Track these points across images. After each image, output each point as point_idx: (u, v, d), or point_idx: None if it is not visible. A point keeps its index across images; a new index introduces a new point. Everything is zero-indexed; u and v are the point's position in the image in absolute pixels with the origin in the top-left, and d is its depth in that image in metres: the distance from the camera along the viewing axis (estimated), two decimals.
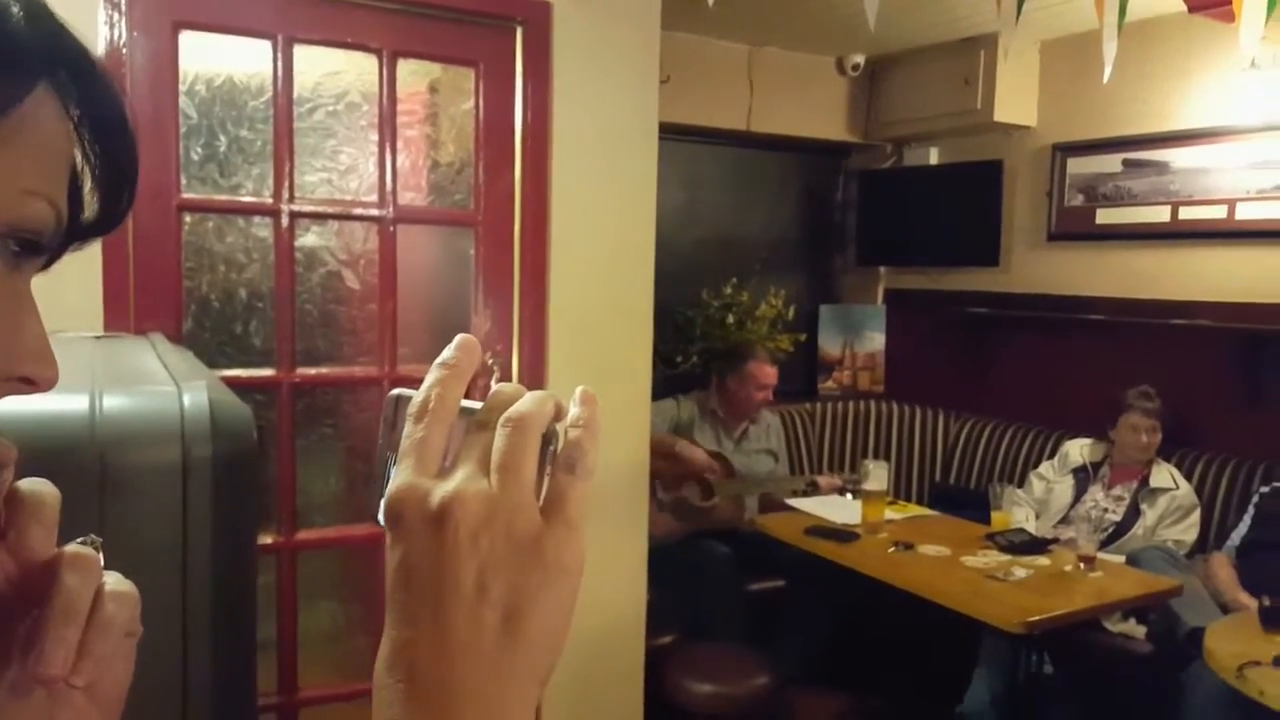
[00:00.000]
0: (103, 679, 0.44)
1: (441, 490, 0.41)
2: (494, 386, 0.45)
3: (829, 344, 4.90)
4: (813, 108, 4.57)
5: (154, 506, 1.01)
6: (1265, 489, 3.20)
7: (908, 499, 4.14)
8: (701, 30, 4.10)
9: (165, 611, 1.01)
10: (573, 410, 0.44)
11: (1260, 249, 3.48)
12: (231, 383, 2.17)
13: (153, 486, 1.01)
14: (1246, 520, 3.18)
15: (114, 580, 0.45)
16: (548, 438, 0.43)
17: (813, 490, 3.73)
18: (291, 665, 2.25)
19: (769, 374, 3.76)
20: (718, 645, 3.13)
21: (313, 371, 2.26)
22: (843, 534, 3.14)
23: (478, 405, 0.44)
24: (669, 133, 3.99)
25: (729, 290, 4.37)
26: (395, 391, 0.46)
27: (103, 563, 0.44)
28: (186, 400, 1.06)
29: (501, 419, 0.42)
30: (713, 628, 3.35)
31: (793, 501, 3.62)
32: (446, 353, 0.45)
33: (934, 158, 4.71)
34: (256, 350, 2.25)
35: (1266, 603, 2.43)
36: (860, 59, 4.49)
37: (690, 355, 4.28)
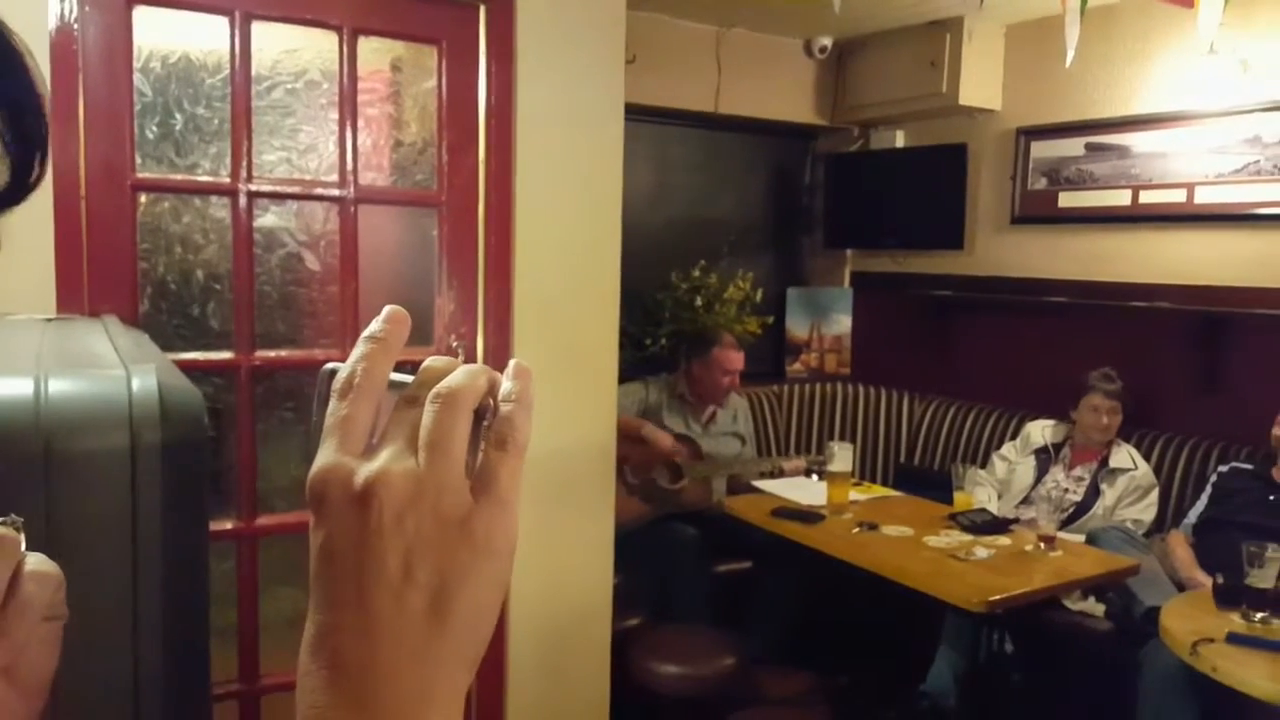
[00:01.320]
0: (21, 663, 0.43)
1: (366, 469, 0.39)
2: (426, 361, 0.43)
3: (796, 326, 4.92)
4: (781, 90, 4.56)
5: (102, 494, 0.99)
6: (1222, 468, 3.26)
7: (873, 480, 4.18)
8: (669, 10, 4.07)
9: (114, 601, 0.99)
10: (505, 384, 0.43)
11: (1218, 232, 3.53)
12: (189, 366, 2.16)
13: (100, 473, 0.98)
14: (1203, 499, 3.24)
15: (35, 561, 0.43)
16: (481, 413, 0.42)
17: (779, 473, 3.75)
18: (253, 652, 2.23)
19: (735, 360, 3.77)
20: (684, 627, 3.14)
21: (272, 354, 2.22)
22: (808, 515, 3.15)
23: (408, 379, 0.43)
24: (637, 113, 3.96)
25: (697, 273, 4.37)
26: (329, 366, 0.44)
27: (24, 543, 0.42)
28: (135, 384, 1.03)
29: (431, 394, 0.41)
30: (681, 610, 3.37)
31: (759, 483, 3.64)
32: (373, 325, 0.43)
33: (900, 141, 4.72)
34: (215, 333, 2.22)
35: (1220, 581, 2.48)
36: (828, 41, 4.49)
37: (659, 337, 4.28)
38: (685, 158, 4.66)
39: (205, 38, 2.14)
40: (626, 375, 3.85)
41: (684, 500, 3.65)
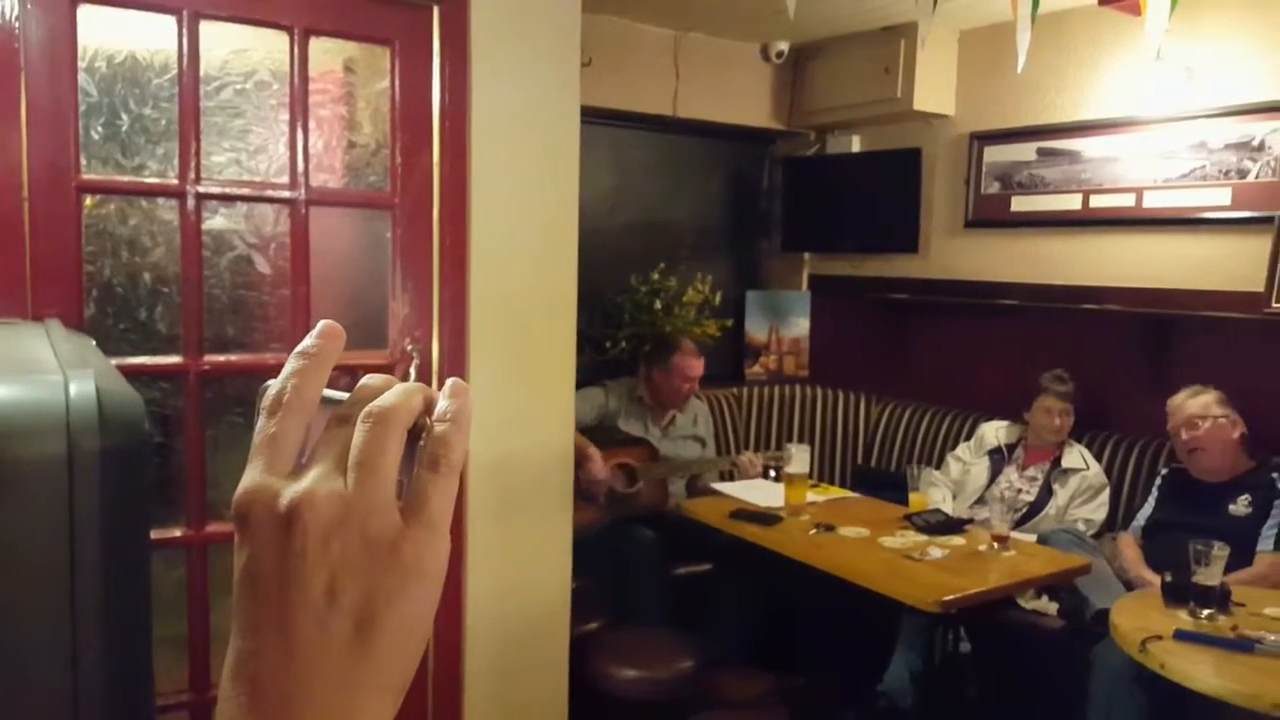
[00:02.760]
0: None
1: (291, 490, 0.38)
2: (363, 380, 0.42)
3: (755, 329, 4.94)
4: (738, 94, 4.59)
5: (38, 502, 0.96)
6: (1164, 470, 3.33)
7: (830, 482, 4.20)
8: (626, 14, 4.08)
9: (52, 612, 0.96)
10: (441, 403, 0.42)
11: (1166, 236, 3.60)
12: (135, 371, 2.11)
13: (36, 481, 0.96)
14: (1151, 500, 3.30)
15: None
16: (417, 433, 0.41)
17: (736, 472, 3.76)
18: (204, 662, 2.19)
19: (695, 367, 3.78)
20: (643, 630, 3.14)
21: (221, 359, 2.18)
22: (766, 517, 3.17)
23: (342, 397, 0.42)
24: (595, 117, 3.97)
25: (656, 276, 4.38)
26: (270, 382, 0.43)
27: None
28: (73, 390, 1.01)
29: (363, 413, 0.40)
30: (640, 613, 3.37)
31: (717, 485, 3.65)
32: (306, 341, 0.42)
33: (856, 145, 4.77)
34: (163, 337, 2.18)
35: (1168, 579, 2.52)
36: (784, 46, 4.52)
37: (619, 341, 4.28)
38: (644, 161, 4.67)
39: (152, 37, 2.10)
40: (587, 378, 3.84)
41: (640, 503, 3.65)
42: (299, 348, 0.42)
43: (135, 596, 1.07)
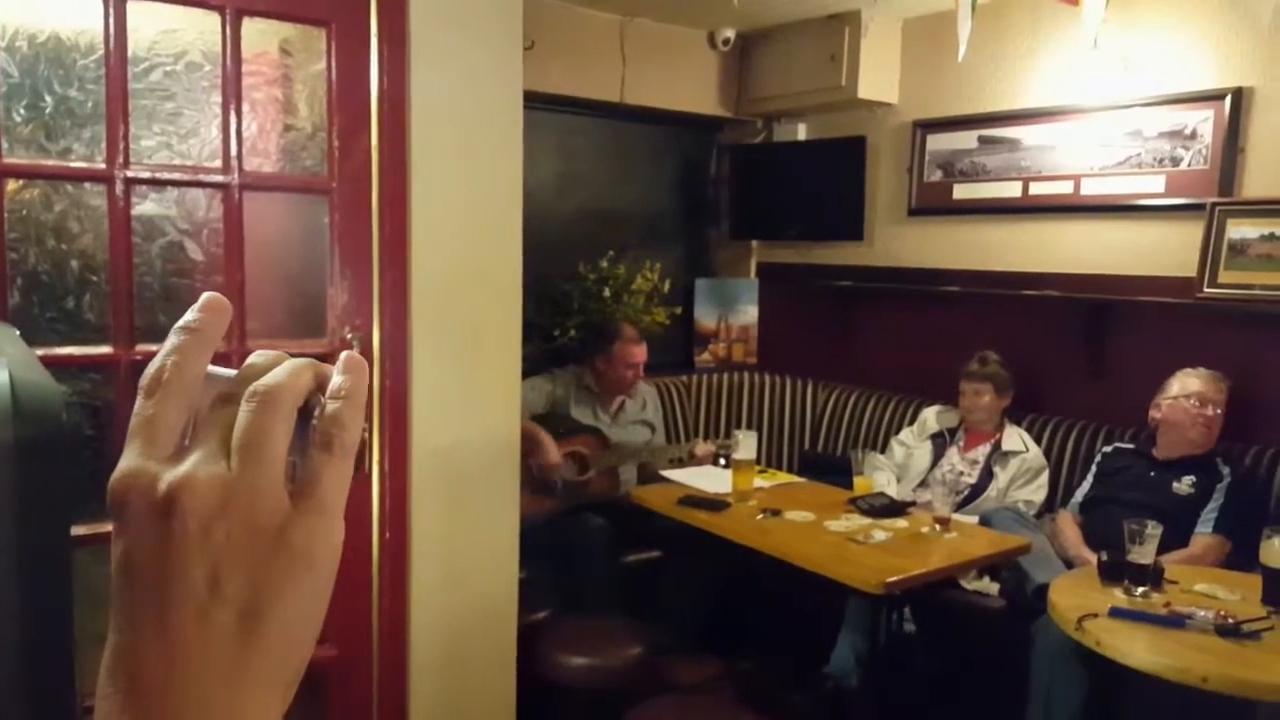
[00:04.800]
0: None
1: (170, 474, 0.36)
2: (251, 356, 0.40)
3: (705, 317, 4.95)
4: (685, 81, 4.58)
5: None
6: (1106, 449, 3.41)
7: (779, 467, 4.23)
8: None
9: None
10: (335, 379, 0.40)
11: (1103, 223, 3.67)
12: (64, 361, 2.05)
13: None
14: (1089, 479, 3.37)
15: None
16: (309, 412, 0.39)
17: (690, 459, 3.77)
18: None
19: (636, 353, 3.77)
20: (592, 618, 3.13)
21: (153, 348, 2.11)
22: (714, 503, 3.18)
23: (229, 374, 0.40)
24: (541, 102, 3.94)
25: (605, 263, 4.36)
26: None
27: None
28: None
29: (248, 391, 0.38)
30: (590, 601, 3.36)
31: (667, 473, 3.65)
32: (188, 314, 0.40)
33: (802, 133, 4.79)
34: (91, 326, 2.11)
35: (1104, 557, 2.58)
36: (731, 33, 4.52)
37: (568, 329, 4.26)
38: (591, 148, 4.65)
39: (76, 16, 2.03)
40: (536, 367, 3.82)
41: (591, 491, 3.64)
42: (180, 322, 0.40)
43: (54, 592, 1.03)
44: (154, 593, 0.36)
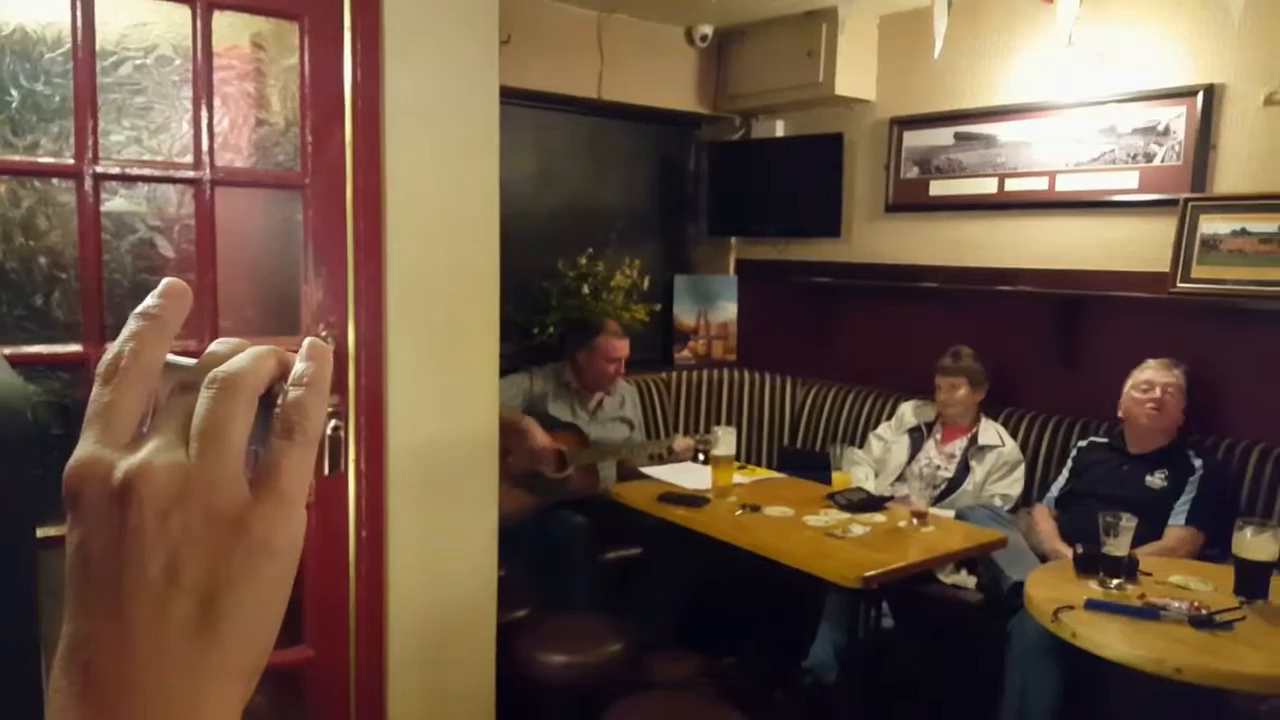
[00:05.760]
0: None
1: (126, 463, 0.36)
2: (212, 344, 0.39)
3: (684, 314, 4.95)
4: (664, 78, 4.57)
5: None
6: (1081, 443, 3.43)
7: (758, 463, 4.24)
8: None
9: None
10: (297, 366, 0.39)
11: (1077, 218, 3.70)
12: (32, 360, 2.02)
13: None
14: (1065, 474, 3.40)
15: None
16: (272, 400, 0.38)
17: (670, 454, 3.77)
18: None
19: (619, 349, 3.76)
20: (571, 616, 3.13)
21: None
22: (694, 500, 3.18)
23: (189, 363, 0.39)
24: (519, 98, 3.92)
25: (584, 260, 4.35)
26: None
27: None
28: None
29: (207, 378, 0.37)
30: (570, 599, 3.35)
31: (647, 469, 3.65)
32: (147, 301, 0.39)
33: (780, 130, 4.80)
34: (61, 324, 2.08)
35: (1079, 550, 2.60)
36: (708, 30, 4.52)
37: (547, 326, 4.25)
38: (570, 144, 4.63)
39: (42, 9, 2.00)
40: (515, 365, 3.81)
41: (570, 489, 3.63)
42: (139, 309, 0.39)
43: (20, 593, 1.01)
44: (110, 583, 0.35)
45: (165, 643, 0.35)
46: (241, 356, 0.38)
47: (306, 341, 0.40)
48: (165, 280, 0.40)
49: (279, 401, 0.38)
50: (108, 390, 0.37)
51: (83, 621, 0.35)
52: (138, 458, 0.36)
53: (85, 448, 0.37)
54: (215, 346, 0.39)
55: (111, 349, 0.38)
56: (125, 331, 0.38)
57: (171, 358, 0.39)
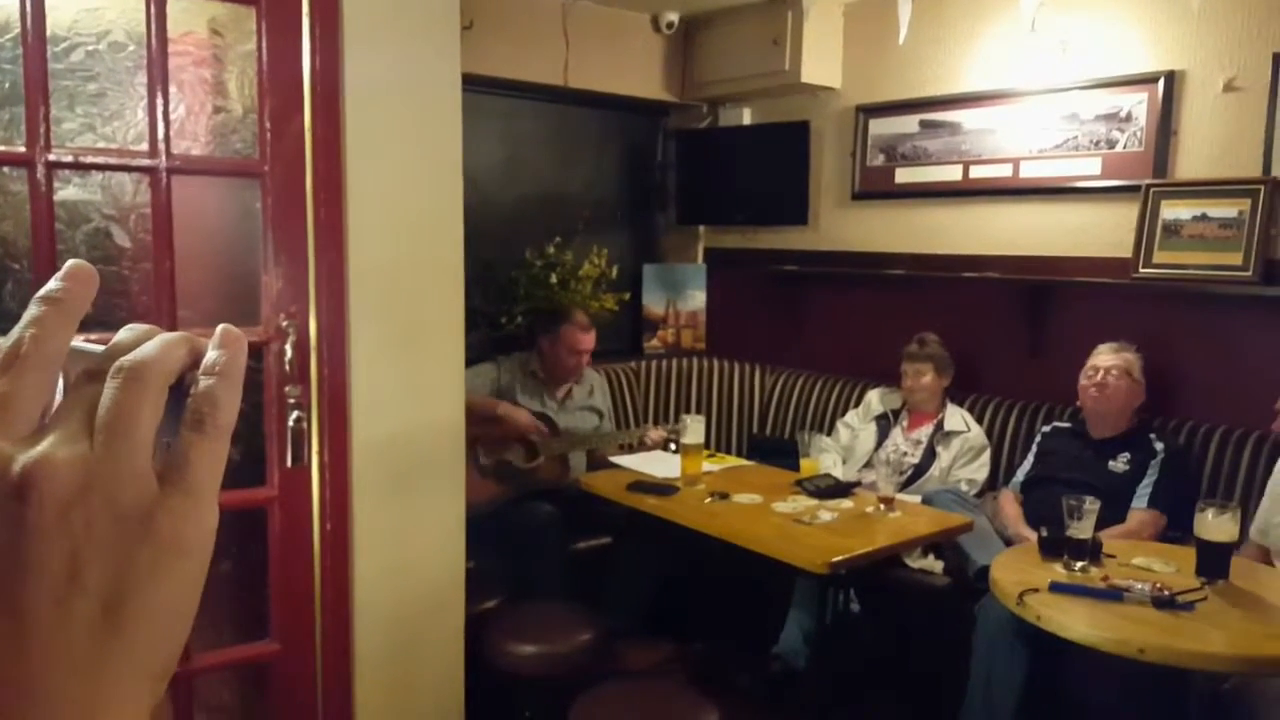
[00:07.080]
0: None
1: (25, 456, 0.33)
2: (120, 331, 0.37)
3: (653, 303, 4.94)
4: (630, 65, 4.55)
5: None
6: (1045, 428, 3.47)
7: (729, 451, 4.25)
8: None
9: None
10: (209, 354, 0.37)
11: (1041, 205, 3.73)
12: None
13: None
14: (1029, 459, 3.43)
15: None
16: (185, 390, 0.36)
17: (640, 445, 3.76)
18: None
19: (584, 340, 3.74)
20: (541, 606, 3.11)
21: (80, 339, 2.05)
22: (663, 488, 3.18)
23: (96, 349, 0.37)
24: (482, 85, 3.89)
25: (552, 250, 4.33)
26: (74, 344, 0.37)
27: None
28: None
29: (114, 367, 0.35)
30: (541, 589, 3.34)
31: (616, 459, 3.64)
32: (50, 284, 0.37)
33: (747, 118, 4.80)
34: (14, 316, 2.00)
35: (1044, 534, 2.62)
36: (674, 17, 4.50)
37: (514, 315, 4.23)
38: (536, 132, 4.60)
39: None
40: (483, 355, 3.78)
41: (540, 479, 3.62)
42: (40, 292, 0.37)
43: None
44: (7, 582, 0.33)
45: (67, 645, 0.33)
46: (151, 344, 0.36)
47: (220, 329, 0.38)
48: (70, 261, 0.38)
49: (190, 391, 0.37)
50: (5, 379, 0.35)
51: None
52: (37, 450, 0.34)
53: None
54: (122, 333, 0.38)
55: (11, 335, 0.36)
56: (26, 316, 0.36)
57: (77, 344, 0.37)
